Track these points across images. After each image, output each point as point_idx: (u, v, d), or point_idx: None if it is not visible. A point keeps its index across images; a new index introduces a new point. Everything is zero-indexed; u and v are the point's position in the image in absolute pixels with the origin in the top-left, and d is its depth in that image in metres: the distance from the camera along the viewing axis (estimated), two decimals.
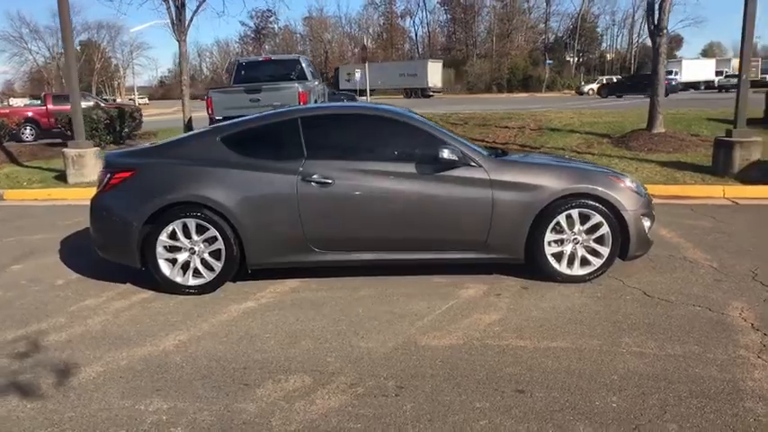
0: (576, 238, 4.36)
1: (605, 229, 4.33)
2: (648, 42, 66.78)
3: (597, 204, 4.31)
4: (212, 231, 4.29)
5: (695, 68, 51.38)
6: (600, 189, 4.31)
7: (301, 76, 12.28)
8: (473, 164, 4.30)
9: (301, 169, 4.30)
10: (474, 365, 3.16)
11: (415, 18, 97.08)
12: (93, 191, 4.66)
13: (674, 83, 40.20)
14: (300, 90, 11.10)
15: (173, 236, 4.32)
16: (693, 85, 49.85)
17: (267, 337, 3.61)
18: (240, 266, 4.41)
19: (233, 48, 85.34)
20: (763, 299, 3.99)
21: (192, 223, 4.30)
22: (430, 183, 4.30)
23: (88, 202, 4.59)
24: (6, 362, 3.39)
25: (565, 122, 13.14)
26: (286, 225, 4.31)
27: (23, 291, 4.64)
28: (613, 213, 4.31)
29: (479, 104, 27.73)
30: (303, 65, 12.48)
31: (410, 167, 4.34)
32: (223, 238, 4.29)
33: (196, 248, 4.34)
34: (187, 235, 4.33)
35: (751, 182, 8.06)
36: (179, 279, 4.38)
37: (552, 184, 4.30)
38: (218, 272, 4.36)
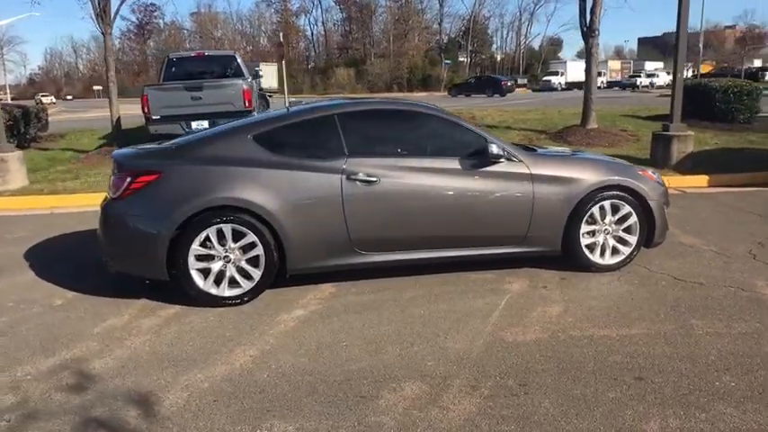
0: (606, 229, 4.53)
1: (633, 219, 4.54)
2: (534, 44, 70.37)
3: (627, 195, 4.51)
4: (250, 237, 3.99)
5: (579, 69, 55.33)
6: (630, 180, 4.51)
7: (238, 73, 11.75)
8: (514, 159, 4.34)
9: (345, 167, 4.11)
10: (577, 357, 3.19)
11: (310, 16, 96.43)
12: (25, 199, 4.18)
13: (510, 83, 43.68)
14: (245, 87, 10.62)
15: (205, 244, 3.97)
16: (577, 85, 53.66)
17: (346, 346, 3.42)
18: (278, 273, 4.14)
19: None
20: None
21: (227, 229, 3.97)
22: (475, 178, 4.29)
23: (19, 212, 4.11)
24: (62, 396, 2.94)
25: (498, 119, 13.66)
26: (330, 226, 4.10)
27: (20, 314, 4.04)
28: (640, 203, 4.53)
29: None
30: (239, 61, 11.95)
31: (454, 163, 4.30)
32: (263, 244, 4.00)
33: (231, 256, 4.02)
34: (221, 242, 3.99)
35: (688, 172, 8.82)
36: (214, 290, 4.03)
37: (588, 176, 4.44)
38: (256, 280, 4.06)
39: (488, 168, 4.30)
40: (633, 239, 4.58)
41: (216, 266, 4.02)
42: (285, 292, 4.28)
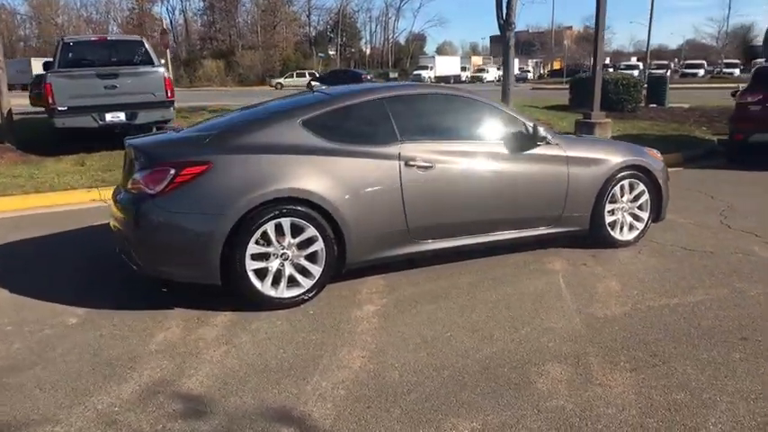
0: (624, 207, 4.81)
1: (646, 196, 4.87)
2: (401, 39, 72.06)
3: (641, 174, 4.82)
4: (310, 231, 3.69)
5: (446, 64, 57.96)
6: (644, 160, 4.83)
7: (147, 60, 10.73)
8: (551, 142, 4.44)
9: (401, 153, 3.94)
10: (674, 326, 3.36)
11: (168, 4, 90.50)
12: None
13: (370, 77, 45.37)
14: (166, 75, 9.75)
15: (262, 241, 3.60)
16: (445, 79, 56.12)
17: (450, 336, 3.29)
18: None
19: None
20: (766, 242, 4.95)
21: (287, 223, 3.64)
22: (519, 161, 4.33)
23: None
24: (184, 425, 2.51)
25: None
26: (389, 215, 3.92)
27: (35, 339, 3.38)
28: (651, 181, 4.86)
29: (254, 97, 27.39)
30: (147, 47, 10.91)
31: (499, 147, 4.30)
32: (323, 238, 3.72)
33: (289, 253, 3.69)
34: (279, 238, 3.65)
35: None
36: (273, 292, 3.67)
37: (612, 157, 4.68)
38: (317, 277, 3.77)
39: (530, 151, 4.36)
40: (645, 215, 4.91)
41: (274, 265, 3.66)
42: (332, 288, 4.00)
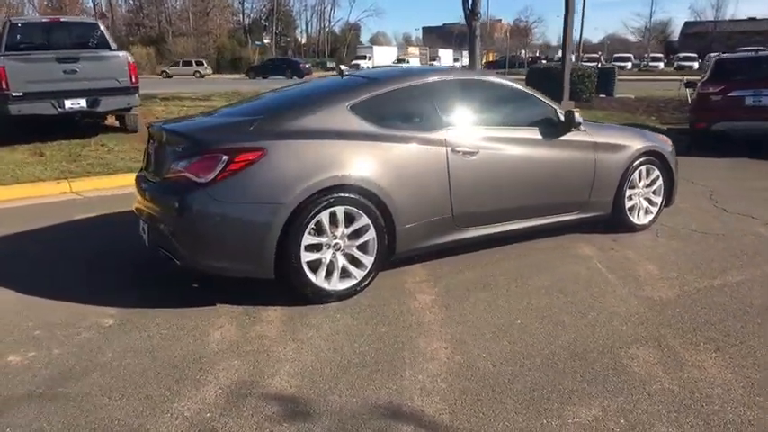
0: (640, 192, 4.93)
1: (660, 182, 5.01)
2: (336, 29, 71.38)
3: (656, 160, 4.95)
4: (363, 220, 3.54)
5: (384, 54, 57.95)
6: (659, 146, 4.96)
7: (103, 44, 10.04)
8: (581, 128, 4.47)
9: (447, 139, 3.85)
10: (731, 306, 3.46)
11: None
12: None
13: (308, 66, 45.17)
14: (130, 60, 9.17)
15: (315, 231, 3.43)
16: None
17: (522, 324, 3.25)
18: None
19: None
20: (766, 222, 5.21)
21: (340, 212, 3.47)
22: (554, 147, 4.33)
23: None
24: (291, 428, 2.34)
25: None
26: (436, 202, 3.83)
27: (75, 343, 3.08)
28: (664, 167, 5.01)
29: (199, 86, 26.56)
30: (102, 29, 10.21)
31: (535, 133, 4.29)
32: (375, 227, 3.58)
33: (341, 243, 3.53)
34: (332, 228, 3.49)
35: None
36: (326, 285, 3.50)
37: (632, 143, 4.77)
38: (368, 267, 3.63)
39: (563, 137, 4.38)
40: (659, 200, 5.06)
41: (327, 257, 3.50)
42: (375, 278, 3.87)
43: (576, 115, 4.35)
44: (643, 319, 3.30)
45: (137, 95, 9.45)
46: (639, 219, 4.96)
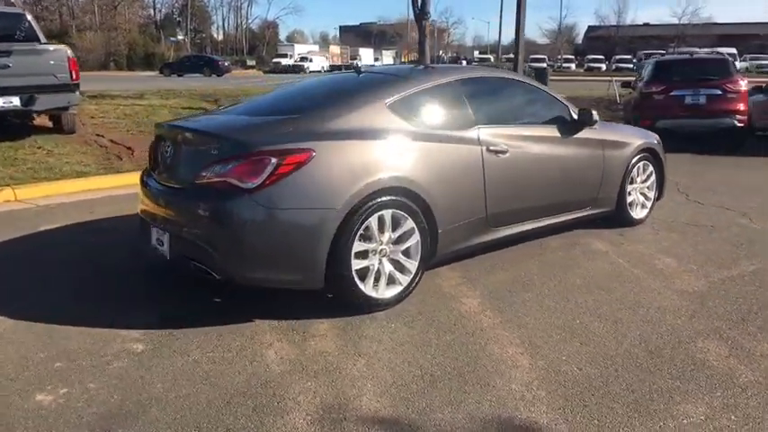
0: (637, 187, 5.08)
1: (653, 177, 5.19)
2: (253, 26, 69.58)
3: (651, 156, 5.11)
4: (408, 223, 3.38)
5: (306, 53, 57.12)
6: (654, 142, 5.13)
7: (31, 37, 9.14)
8: (593, 126, 4.53)
9: (480, 138, 3.76)
10: (757, 293, 3.61)
11: None
12: None
13: (227, 63, 44.16)
14: (70, 54, 8.40)
15: (363, 236, 3.23)
16: (302, 69, 55.30)
17: (582, 323, 3.22)
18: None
19: None
20: (751, 206, 5.51)
21: (388, 216, 3.30)
22: (570, 145, 4.36)
23: None
24: None
25: None
26: (473, 203, 3.74)
27: (112, 374, 2.72)
28: (658, 162, 5.19)
29: (120, 83, 25.18)
30: (30, 21, 9.29)
31: (553, 130, 4.29)
32: (420, 230, 3.43)
33: (387, 249, 3.36)
34: (380, 233, 3.31)
35: None
36: (374, 293, 3.31)
37: (633, 140, 4.90)
38: (413, 273, 3.47)
39: (578, 135, 4.41)
40: (652, 195, 5.23)
41: (374, 263, 3.31)
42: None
43: (595, 113, 4.40)
44: (691, 312, 3.36)
45: (77, 93, 8.68)
46: (637, 213, 5.11)
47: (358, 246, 3.19)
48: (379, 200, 3.20)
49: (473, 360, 2.82)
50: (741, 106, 9.39)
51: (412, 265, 3.45)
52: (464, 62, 44.47)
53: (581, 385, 2.60)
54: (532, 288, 3.72)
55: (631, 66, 41.17)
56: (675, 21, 56.95)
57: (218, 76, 39.85)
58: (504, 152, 3.85)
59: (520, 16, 10.23)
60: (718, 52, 11.92)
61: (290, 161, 2.99)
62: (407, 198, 3.34)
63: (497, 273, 3.99)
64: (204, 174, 3.07)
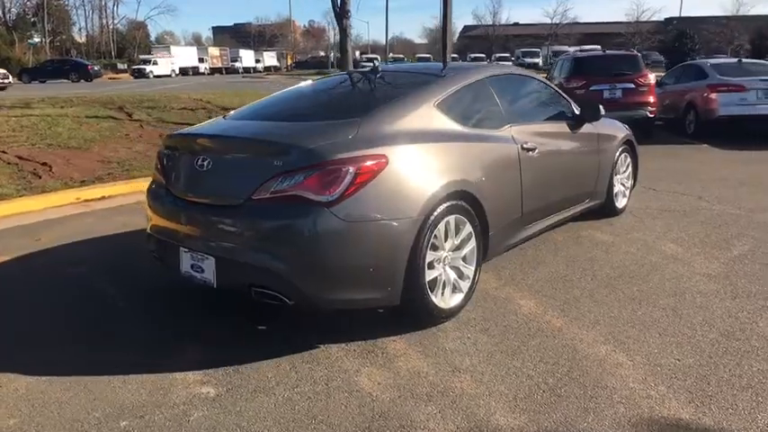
0: (619, 178, 5.32)
1: (631, 167, 5.46)
2: (120, 27, 65.01)
3: (629, 147, 5.38)
4: (467, 228, 3.27)
5: (184, 55, 54.31)
6: (630, 134, 5.40)
7: None
8: (598, 120, 4.66)
9: (513, 136, 3.73)
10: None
11: None
12: None
13: (97, 68, 41.82)
14: None
15: (433, 245, 3.06)
16: (184, 71, 52.64)
17: (654, 316, 3.28)
18: None
19: None
20: (699, 190, 5.97)
21: (452, 221, 3.16)
22: (576, 140, 4.45)
23: None
24: None
25: (233, 102, 12.80)
26: (513, 202, 3.70)
27: (199, 427, 2.34)
28: (633, 152, 5.47)
29: None
30: None
31: (564, 126, 4.36)
32: (475, 234, 3.33)
33: (449, 256, 3.21)
34: (445, 240, 3.16)
35: None
36: (442, 303, 3.16)
37: (618, 133, 5.13)
38: (471, 279, 3.35)
39: (581, 130, 4.51)
40: (630, 184, 5.51)
41: (441, 272, 3.15)
42: None
43: (602, 108, 4.52)
44: (734, 294, 3.54)
45: None
46: (620, 203, 5.35)
47: (429, 255, 3.01)
48: (446, 205, 3.05)
49: (574, 363, 2.77)
50: (651, 98, 10.24)
51: (470, 270, 3.33)
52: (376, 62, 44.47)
53: (691, 376, 2.63)
54: (574, 284, 3.75)
55: (510, 63, 43.61)
56: (547, 20, 61.06)
57: (88, 81, 36.81)
58: (533, 150, 3.84)
59: (447, 10, 10.40)
60: (628, 49, 12.93)
61: (367, 169, 2.75)
62: (466, 202, 3.22)
63: (531, 271, 3.98)
64: (267, 188, 2.74)
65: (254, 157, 2.88)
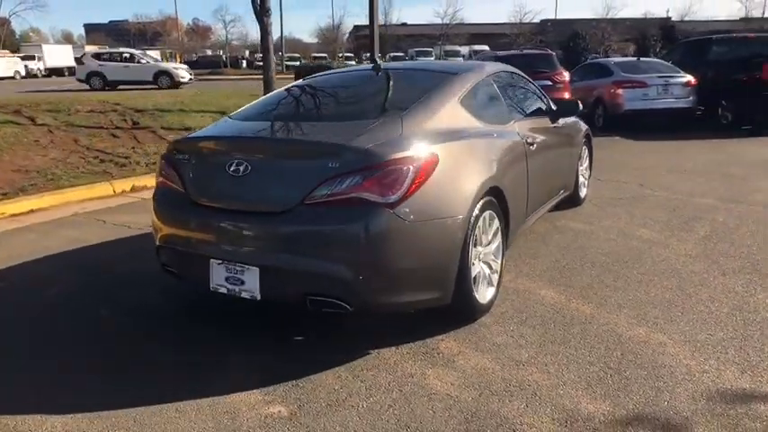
0: (581, 169, 5.63)
1: (588, 159, 5.80)
2: None
3: (588, 140, 5.70)
4: (496, 223, 3.31)
5: (58, 54, 49.91)
6: (588, 128, 5.71)
7: None
8: (577, 115, 4.88)
9: (518, 131, 3.82)
10: (752, 245, 4.29)
11: None
12: None
13: None
14: None
15: (475, 241, 3.07)
16: (58, 71, 48.43)
17: (693, 299, 3.49)
18: None
19: None
20: (636, 178, 6.45)
21: (488, 217, 3.19)
22: (556, 133, 4.63)
23: None
24: None
25: (159, 104, 12.05)
26: (523, 196, 3.79)
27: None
28: (590, 145, 5.81)
29: None
30: None
31: (547, 121, 4.52)
32: (502, 228, 3.38)
33: (483, 251, 3.24)
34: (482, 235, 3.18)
35: None
36: (480, 299, 3.17)
37: (581, 126, 5.42)
38: (498, 272, 3.40)
39: (558, 124, 4.70)
40: (588, 174, 5.84)
41: (479, 268, 3.16)
42: None
43: (579, 103, 4.74)
44: (721, 271, 3.84)
45: None
46: (582, 192, 5.66)
47: (473, 252, 3.01)
48: (484, 201, 3.06)
49: (622, 346, 2.88)
50: (567, 95, 10.88)
51: (497, 264, 3.37)
52: (243, 61, 43.17)
53: (730, 348, 2.83)
54: (580, 272, 3.90)
55: (353, 63, 44.46)
56: (437, 20, 62.74)
57: None
58: (533, 144, 3.95)
59: (373, 10, 10.40)
60: (543, 48, 13.62)
61: (425, 168, 2.69)
62: (496, 197, 3.25)
63: (533, 262, 4.09)
64: (322, 191, 2.60)
65: (302, 160, 2.72)
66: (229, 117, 3.52)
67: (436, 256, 2.77)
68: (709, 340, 2.93)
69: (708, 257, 4.12)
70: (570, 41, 31.80)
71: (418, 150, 2.73)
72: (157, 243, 3.15)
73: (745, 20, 60.69)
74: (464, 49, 47.27)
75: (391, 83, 3.72)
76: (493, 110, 3.75)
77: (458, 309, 3.02)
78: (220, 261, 2.81)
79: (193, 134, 3.34)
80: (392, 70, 3.96)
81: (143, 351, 2.95)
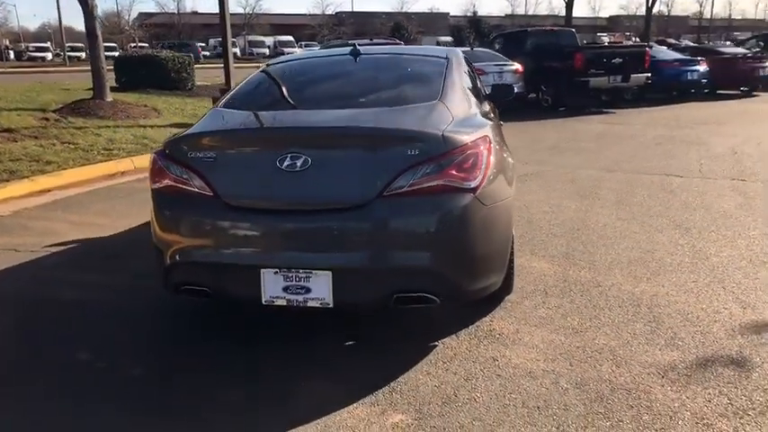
0: None
1: None
2: None
3: None
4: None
5: None
6: None
7: None
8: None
9: (488, 114, 3.95)
10: (702, 211, 4.99)
11: None
12: None
13: None
14: None
15: None
16: None
17: (677, 258, 3.92)
18: None
19: None
20: (542, 152, 7.09)
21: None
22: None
23: None
24: None
25: None
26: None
27: None
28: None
29: None
30: None
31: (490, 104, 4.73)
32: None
33: None
34: None
35: None
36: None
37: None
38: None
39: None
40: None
41: None
42: None
43: (515, 87, 5.02)
44: (667, 225, 4.44)
45: None
46: None
47: None
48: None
49: (655, 304, 3.14)
50: None
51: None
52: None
53: None
54: (549, 243, 4.19)
55: (208, 54, 42.43)
56: (240, 10, 60.42)
57: None
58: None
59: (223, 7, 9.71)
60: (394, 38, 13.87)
61: (490, 151, 2.68)
62: None
63: (524, 237, 4.28)
64: (403, 181, 2.44)
65: (375, 150, 2.50)
66: (223, 107, 3.11)
67: (504, 238, 2.80)
68: (696, 287, 3.38)
69: (635, 219, 4.73)
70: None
71: (483, 133, 2.72)
72: (169, 261, 2.66)
73: (511, 16, 69.17)
74: (269, 40, 46.74)
75: (402, 69, 3.63)
76: (477, 93, 3.83)
77: (503, 289, 3.05)
78: (276, 270, 2.49)
79: (212, 129, 2.84)
80: (371, 56, 3.81)
81: (194, 369, 2.50)
